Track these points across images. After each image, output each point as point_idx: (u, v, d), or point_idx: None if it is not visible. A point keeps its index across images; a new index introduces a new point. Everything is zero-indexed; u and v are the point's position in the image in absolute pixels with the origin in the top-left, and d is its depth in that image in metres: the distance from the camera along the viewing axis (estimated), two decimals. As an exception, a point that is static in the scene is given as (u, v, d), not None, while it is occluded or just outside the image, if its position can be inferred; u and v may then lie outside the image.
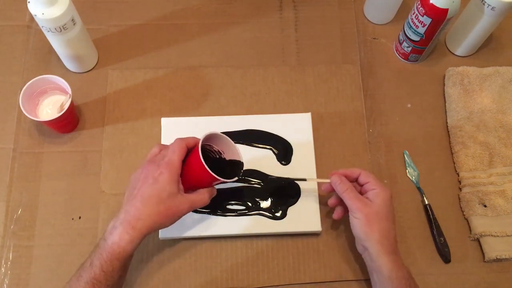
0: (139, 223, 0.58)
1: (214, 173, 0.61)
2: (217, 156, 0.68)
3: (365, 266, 0.72)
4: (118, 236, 0.58)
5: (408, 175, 0.78)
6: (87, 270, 0.58)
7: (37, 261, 0.71)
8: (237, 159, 0.67)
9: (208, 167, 0.60)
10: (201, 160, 0.60)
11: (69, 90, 0.73)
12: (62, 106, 0.75)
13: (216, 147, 0.68)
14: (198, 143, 0.62)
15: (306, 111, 0.80)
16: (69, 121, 0.77)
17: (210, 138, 0.65)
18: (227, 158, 0.68)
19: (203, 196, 0.64)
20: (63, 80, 0.73)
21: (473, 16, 0.79)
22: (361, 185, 0.68)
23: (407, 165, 0.79)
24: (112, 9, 0.89)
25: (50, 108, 0.76)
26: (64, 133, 0.79)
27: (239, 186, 0.75)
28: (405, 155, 0.79)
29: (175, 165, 0.61)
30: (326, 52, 0.87)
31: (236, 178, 0.65)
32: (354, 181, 0.69)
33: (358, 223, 0.64)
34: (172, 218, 0.62)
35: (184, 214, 0.62)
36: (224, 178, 0.63)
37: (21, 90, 0.72)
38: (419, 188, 0.77)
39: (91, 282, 0.57)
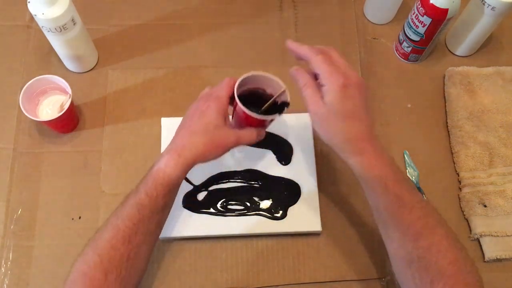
0: (184, 151, 0.59)
1: (262, 114, 0.62)
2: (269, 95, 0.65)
3: (365, 266, 0.72)
4: (163, 162, 0.58)
5: (408, 175, 0.78)
6: (132, 196, 0.59)
7: (37, 261, 0.71)
8: (285, 100, 0.64)
9: (259, 108, 0.62)
10: (236, 100, 0.61)
11: (69, 90, 0.73)
12: (62, 106, 0.75)
13: (262, 88, 0.66)
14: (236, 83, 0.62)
15: (306, 111, 0.80)
16: (69, 121, 0.77)
17: (254, 79, 0.64)
18: (276, 97, 0.64)
19: (251, 133, 0.64)
20: (63, 80, 0.73)
21: (473, 16, 0.79)
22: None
23: (407, 165, 0.79)
24: (112, 9, 0.89)
25: (50, 108, 0.76)
26: (64, 133, 0.79)
27: (239, 186, 0.75)
28: (405, 155, 0.79)
29: (222, 99, 0.61)
30: (326, 52, 0.87)
31: (277, 115, 0.63)
32: None
33: (315, 126, 0.58)
34: (218, 150, 0.61)
35: (230, 148, 0.62)
36: (265, 116, 0.62)
37: (21, 90, 0.72)
38: (419, 188, 0.77)
39: (135, 206, 0.57)
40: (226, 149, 0.62)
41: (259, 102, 0.64)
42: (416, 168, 0.78)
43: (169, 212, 0.62)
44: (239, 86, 0.62)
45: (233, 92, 0.62)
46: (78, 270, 0.56)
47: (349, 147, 0.57)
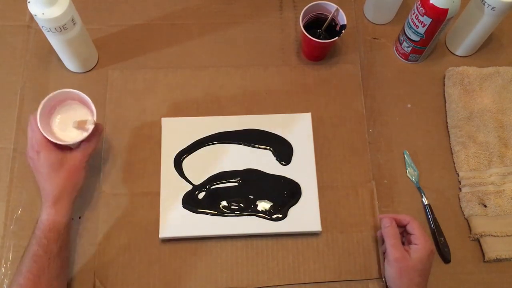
0: (54, 197, 0.65)
1: (323, 35, 0.81)
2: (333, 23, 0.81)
3: (364, 266, 0.72)
4: (44, 213, 0.64)
5: (408, 175, 0.78)
6: (26, 251, 0.63)
7: (37, 261, 0.71)
8: (343, 23, 0.79)
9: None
10: (302, 30, 0.78)
11: (93, 108, 0.68)
12: (81, 123, 0.69)
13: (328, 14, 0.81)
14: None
15: (306, 111, 0.80)
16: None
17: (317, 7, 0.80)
18: (331, 17, 0.80)
19: (90, 141, 0.68)
20: (87, 98, 0.69)
21: (473, 16, 0.79)
22: (407, 233, 0.70)
23: (407, 165, 0.79)
24: (112, 9, 0.89)
25: (59, 118, 0.70)
26: None
27: (239, 186, 0.75)
28: (405, 155, 0.79)
29: (43, 139, 0.66)
30: (326, 52, 0.87)
31: (336, 38, 0.77)
32: (403, 227, 0.71)
33: (390, 272, 0.67)
34: (78, 173, 0.67)
35: (85, 162, 0.68)
36: (326, 40, 0.78)
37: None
38: (419, 188, 0.77)
39: (31, 258, 0.61)
40: (82, 167, 0.67)
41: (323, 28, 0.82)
42: (416, 168, 0.78)
43: (69, 251, 0.67)
44: (303, 16, 0.79)
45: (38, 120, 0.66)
46: None
47: None
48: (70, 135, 0.69)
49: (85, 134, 0.67)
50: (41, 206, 0.65)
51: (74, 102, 0.71)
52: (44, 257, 0.62)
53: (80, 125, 0.69)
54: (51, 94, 0.68)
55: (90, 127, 0.68)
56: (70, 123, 0.70)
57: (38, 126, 0.65)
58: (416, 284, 0.65)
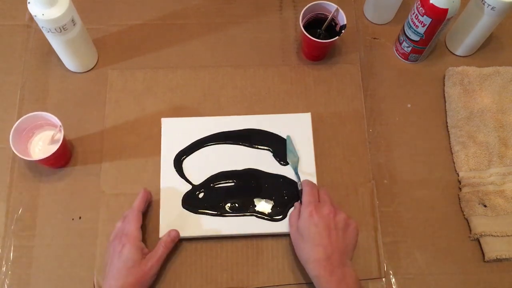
0: None
1: (323, 34, 0.82)
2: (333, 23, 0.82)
3: (364, 266, 0.72)
4: None
5: (288, 159, 0.76)
6: None
7: (37, 261, 0.71)
8: (343, 23, 0.79)
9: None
10: (302, 31, 0.77)
11: (58, 123, 0.71)
12: (53, 138, 0.74)
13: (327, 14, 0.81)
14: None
15: (306, 111, 0.80)
16: (62, 155, 0.75)
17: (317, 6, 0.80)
18: (331, 16, 0.80)
19: (163, 248, 0.68)
20: (53, 116, 0.71)
21: (473, 16, 0.79)
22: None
23: (288, 151, 0.76)
24: (112, 9, 0.89)
25: (41, 142, 0.75)
26: (59, 167, 0.77)
27: (239, 186, 0.75)
28: (287, 140, 0.76)
29: (134, 234, 0.67)
30: (326, 52, 0.87)
31: (336, 38, 0.77)
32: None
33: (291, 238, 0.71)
34: (146, 281, 0.66)
35: (156, 270, 0.67)
36: (326, 40, 0.78)
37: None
38: (296, 174, 0.75)
39: None
40: (154, 274, 0.67)
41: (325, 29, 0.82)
42: (297, 154, 0.75)
43: None
44: (303, 16, 0.79)
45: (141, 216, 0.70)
46: None
47: (307, 266, 0.66)
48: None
49: (55, 145, 0.70)
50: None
51: (47, 127, 0.75)
52: None
53: (53, 140, 0.73)
54: (20, 119, 0.71)
55: (59, 135, 0.71)
56: (47, 144, 0.74)
57: (136, 220, 0.68)
58: (302, 249, 0.66)
